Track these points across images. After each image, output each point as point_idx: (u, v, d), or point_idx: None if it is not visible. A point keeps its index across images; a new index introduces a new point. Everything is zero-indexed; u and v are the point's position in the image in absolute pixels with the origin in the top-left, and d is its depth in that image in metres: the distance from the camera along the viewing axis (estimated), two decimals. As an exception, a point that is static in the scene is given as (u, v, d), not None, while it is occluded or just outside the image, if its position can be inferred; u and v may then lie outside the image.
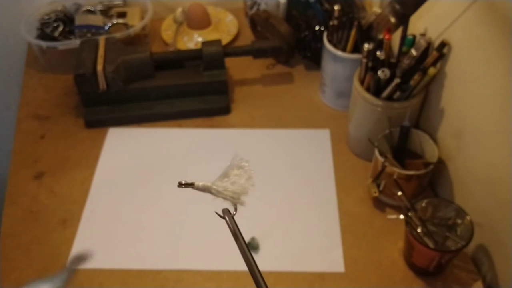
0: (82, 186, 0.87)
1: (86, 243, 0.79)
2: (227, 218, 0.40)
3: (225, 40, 1.10)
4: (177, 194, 0.84)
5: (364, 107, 0.81)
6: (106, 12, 1.10)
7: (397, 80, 0.76)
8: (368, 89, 0.80)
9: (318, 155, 0.90)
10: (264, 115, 0.98)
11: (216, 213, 0.41)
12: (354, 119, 0.86)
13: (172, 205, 0.84)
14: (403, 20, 0.73)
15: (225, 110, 0.98)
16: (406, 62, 0.76)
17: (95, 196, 0.85)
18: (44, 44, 1.01)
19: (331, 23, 0.90)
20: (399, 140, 0.80)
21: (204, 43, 0.96)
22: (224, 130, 0.95)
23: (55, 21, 1.06)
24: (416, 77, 0.74)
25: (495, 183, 0.67)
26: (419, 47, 0.74)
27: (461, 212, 0.70)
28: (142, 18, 1.09)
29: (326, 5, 0.97)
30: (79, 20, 1.05)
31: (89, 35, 1.04)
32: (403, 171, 0.75)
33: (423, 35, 0.76)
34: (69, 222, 0.82)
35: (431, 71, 0.73)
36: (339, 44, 0.90)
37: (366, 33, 0.85)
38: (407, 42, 0.77)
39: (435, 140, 0.79)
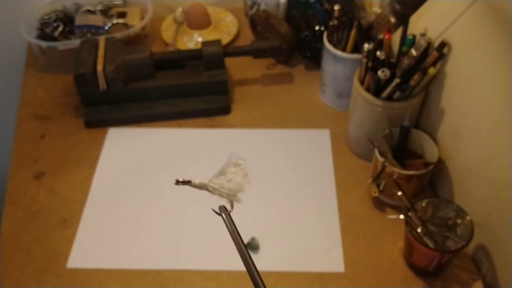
0: (82, 186, 0.87)
1: (86, 243, 0.79)
2: (223, 215, 0.41)
3: (225, 40, 1.10)
4: (177, 194, 0.85)
5: (364, 107, 0.81)
6: (106, 12, 1.10)
7: (397, 80, 0.76)
8: (368, 89, 0.80)
9: (318, 155, 0.90)
10: (264, 115, 0.98)
11: (213, 210, 0.41)
12: (354, 119, 0.86)
13: (172, 205, 0.84)
14: (403, 20, 0.73)
15: (225, 110, 0.98)
16: (406, 62, 0.76)
17: (95, 196, 0.85)
18: (44, 44, 1.01)
19: (331, 23, 0.90)
20: (399, 140, 0.80)
21: (204, 43, 0.96)
22: (224, 130, 0.95)
23: (55, 21, 1.06)
24: (416, 77, 0.74)
25: (495, 183, 0.67)
26: (419, 47, 0.74)
27: (461, 212, 0.70)
28: (142, 18, 1.09)
29: (326, 5, 0.97)
30: (79, 20, 1.05)
31: (89, 35, 1.04)
32: (403, 171, 0.75)
33: (423, 35, 0.76)
34: (69, 222, 0.82)
35: (431, 71, 0.73)
36: (339, 44, 0.90)
37: (366, 33, 0.85)
38: (407, 42, 0.77)
39: (435, 140, 0.79)
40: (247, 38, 1.13)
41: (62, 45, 1.01)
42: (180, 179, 0.41)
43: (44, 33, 1.05)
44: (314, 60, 1.04)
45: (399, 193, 0.72)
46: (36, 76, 1.07)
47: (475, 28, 0.66)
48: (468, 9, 0.67)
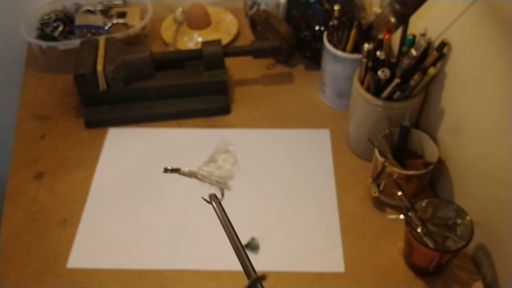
0: (82, 186, 0.87)
1: (86, 243, 0.79)
2: (213, 203, 0.40)
3: (225, 40, 1.10)
4: (177, 194, 0.85)
5: (364, 107, 0.81)
6: (106, 12, 1.10)
7: (397, 80, 0.76)
8: (368, 89, 0.80)
9: (318, 155, 0.90)
10: (264, 115, 0.98)
11: (203, 198, 0.40)
12: (354, 119, 0.86)
13: (172, 205, 0.84)
14: (403, 20, 0.73)
15: (225, 110, 0.98)
16: (406, 62, 0.76)
17: (95, 196, 0.85)
18: (44, 44, 1.01)
19: (331, 23, 0.90)
20: (399, 140, 0.80)
21: (204, 43, 0.96)
22: (224, 130, 0.95)
23: (55, 21, 1.06)
24: (416, 77, 0.74)
25: (495, 183, 0.67)
26: (419, 47, 0.74)
27: (461, 212, 0.70)
28: (142, 18, 1.09)
29: (326, 5, 0.97)
30: (79, 20, 1.05)
31: (89, 35, 1.04)
32: (403, 171, 0.75)
33: (423, 35, 0.76)
34: (69, 222, 0.82)
35: (431, 71, 0.73)
36: (339, 44, 0.90)
37: (366, 33, 0.85)
38: (407, 42, 0.77)
39: (435, 140, 0.79)
40: (247, 38, 1.13)
41: (62, 45, 1.01)
42: (169, 167, 0.41)
43: (44, 33, 1.05)
44: (314, 60, 1.04)
45: (399, 193, 0.72)
46: (36, 76, 1.07)
47: (475, 28, 0.66)
48: (468, 9, 0.67)
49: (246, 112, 0.98)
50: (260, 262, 0.75)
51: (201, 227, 0.80)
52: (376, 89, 0.79)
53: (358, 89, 0.81)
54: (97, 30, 1.04)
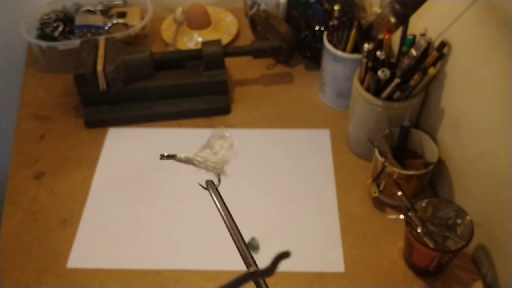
0: (82, 186, 0.87)
1: (86, 243, 0.79)
2: (210, 189, 0.40)
3: (225, 40, 1.10)
4: (177, 194, 0.85)
5: (364, 107, 0.81)
6: (106, 12, 1.10)
7: (397, 80, 0.76)
8: (368, 89, 0.80)
9: (318, 155, 0.90)
10: (264, 115, 0.98)
11: (199, 184, 0.40)
12: (354, 119, 0.86)
13: (172, 205, 0.84)
14: (403, 20, 0.73)
15: (225, 110, 0.98)
16: (406, 62, 0.76)
17: (95, 196, 0.85)
18: (44, 44, 1.01)
19: (331, 23, 0.90)
20: (399, 140, 0.80)
21: (204, 43, 0.96)
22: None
23: (55, 21, 1.06)
24: (416, 77, 0.74)
25: (495, 183, 0.67)
26: (419, 47, 0.74)
27: (461, 212, 0.70)
28: (142, 18, 1.09)
29: (326, 5, 0.97)
30: (79, 20, 1.05)
31: (89, 35, 1.04)
32: (403, 171, 0.75)
33: (423, 35, 0.76)
34: (69, 222, 0.82)
35: (431, 71, 0.73)
36: (339, 44, 0.90)
37: (366, 33, 0.85)
38: (407, 42, 0.77)
39: (435, 140, 0.79)
40: (247, 38, 1.13)
41: (62, 45, 1.01)
42: (165, 154, 0.41)
43: (44, 33, 1.05)
44: (314, 60, 1.04)
45: (399, 193, 0.72)
46: (36, 76, 1.07)
47: (475, 28, 0.66)
48: (468, 9, 0.67)
49: (246, 112, 0.98)
50: (260, 262, 0.75)
51: (201, 227, 0.80)
52: (376, 89, 0.79)
53: (358, 89, 0.81)
54: (97, 30, 1.04)
